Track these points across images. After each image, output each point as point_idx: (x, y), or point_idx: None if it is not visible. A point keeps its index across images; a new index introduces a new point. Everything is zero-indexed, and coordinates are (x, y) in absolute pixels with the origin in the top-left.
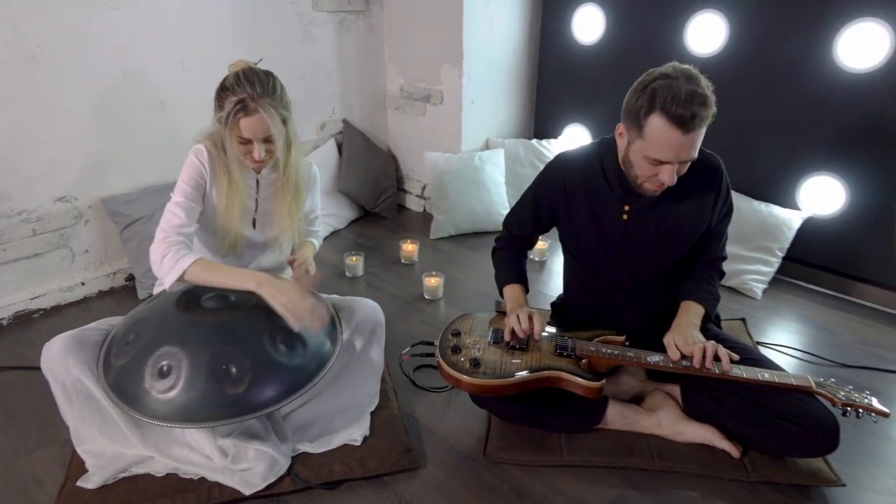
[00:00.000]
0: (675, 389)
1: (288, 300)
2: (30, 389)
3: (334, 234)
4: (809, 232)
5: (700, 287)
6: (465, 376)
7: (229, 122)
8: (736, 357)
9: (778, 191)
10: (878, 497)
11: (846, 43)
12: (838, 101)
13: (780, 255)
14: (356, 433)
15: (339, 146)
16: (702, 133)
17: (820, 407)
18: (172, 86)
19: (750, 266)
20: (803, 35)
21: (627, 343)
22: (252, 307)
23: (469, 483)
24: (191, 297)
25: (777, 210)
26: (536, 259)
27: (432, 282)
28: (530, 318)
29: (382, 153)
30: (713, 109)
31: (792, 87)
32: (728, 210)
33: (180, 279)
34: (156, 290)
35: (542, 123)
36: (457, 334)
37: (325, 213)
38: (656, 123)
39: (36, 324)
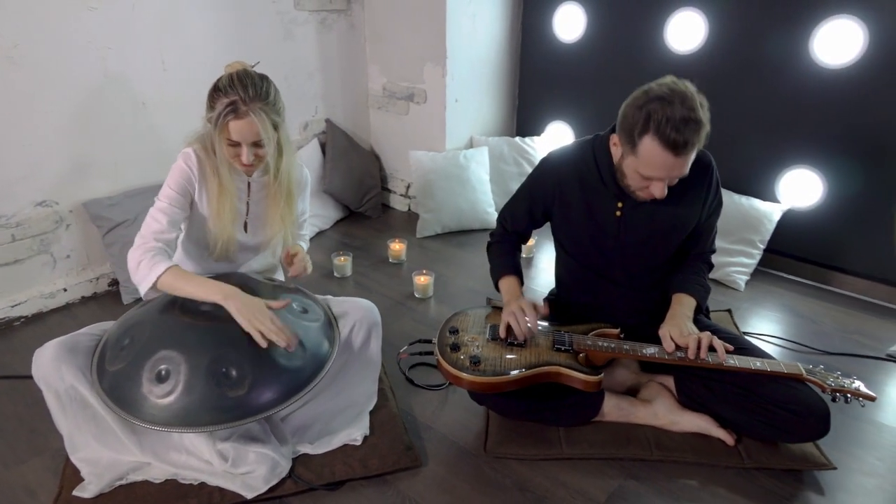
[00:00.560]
0: (669, 380)
1: (253, 317)
2: (14, 399)
3: (320, 234)
4: (789, 224)
5: (691, 279)
6: (465, 374)
7: (219, 123)
8: (731, 347)
9: (758, 184)
10: (866, 478)
11: (822, 39)
12: (815, 96)
13: (762, 247)
14: (356, 433)
15: (323, 146)
16: (694, 154)
17: (811, 393)
18: (154, 86)
19: (733, 258)
20: (780, 32)
21: (622, 336)
22: None
23: (471, 478)
24: (185, 300)
25: (758, 203)
26: (524, 256)
27: (422, 280)
28: (524, 311)
29: (366, 153)
30: (707, 129)
31: (770, 83)
32: (718, 205)
33: (153, 287)
34: (144, 295)
35: (524, 121)
36: (454, 331)
37: (311, 213)
38: (649, 145)
39: (18, 332)
